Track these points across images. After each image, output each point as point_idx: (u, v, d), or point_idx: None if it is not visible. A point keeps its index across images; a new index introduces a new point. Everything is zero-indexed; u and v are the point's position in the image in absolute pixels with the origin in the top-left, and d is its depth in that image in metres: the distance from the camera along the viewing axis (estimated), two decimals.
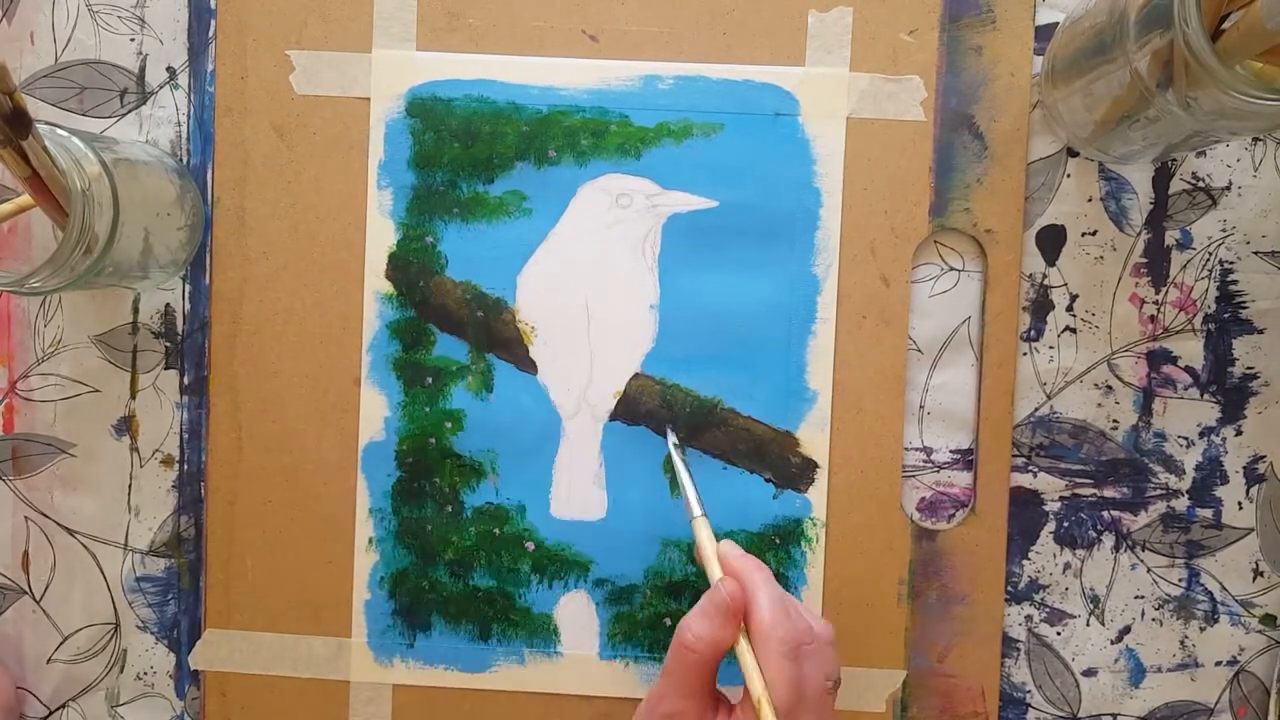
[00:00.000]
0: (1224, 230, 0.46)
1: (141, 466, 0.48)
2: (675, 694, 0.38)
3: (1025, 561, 0.47)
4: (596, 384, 0.46)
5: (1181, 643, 0.47)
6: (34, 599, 0.49)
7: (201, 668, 0.48)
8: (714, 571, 0.40)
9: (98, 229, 0.39)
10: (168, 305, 0.48)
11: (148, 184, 0.44)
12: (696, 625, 0.38)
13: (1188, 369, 0.46)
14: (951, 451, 0.47)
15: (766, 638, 0.38)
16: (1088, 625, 0.47)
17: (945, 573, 0.46)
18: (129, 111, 0.47)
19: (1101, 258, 0.46)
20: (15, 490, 0.48)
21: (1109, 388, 0.46)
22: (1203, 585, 0.47)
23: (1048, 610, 0.47)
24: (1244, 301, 0.46)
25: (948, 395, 0.47)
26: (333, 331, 0.47)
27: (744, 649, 0.38)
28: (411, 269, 0.47)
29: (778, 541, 0.46)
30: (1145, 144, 0.41)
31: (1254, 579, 0.47)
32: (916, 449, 0.47)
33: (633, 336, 0.46)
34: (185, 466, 0.48)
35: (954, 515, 0.47)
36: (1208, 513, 0.47)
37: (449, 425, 0.47)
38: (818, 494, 0.46)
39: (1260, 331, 0.46)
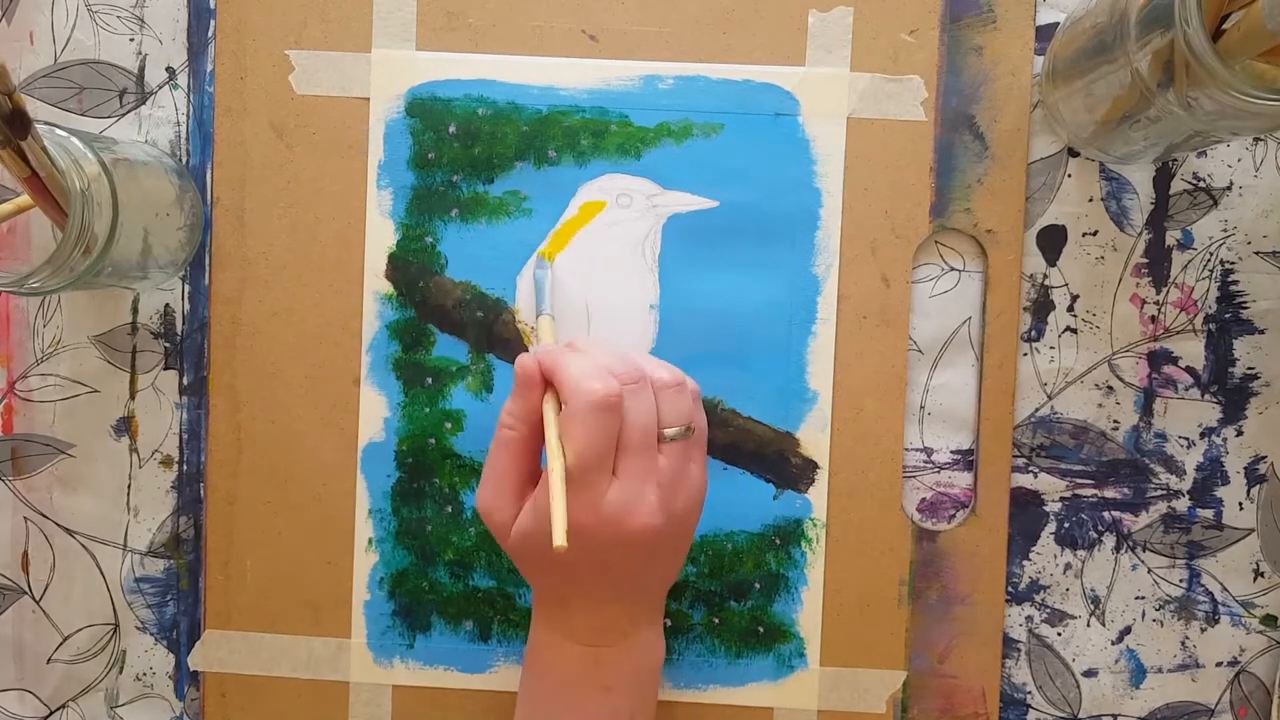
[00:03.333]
0: (1225, 230, 0.46)
1: (140, 467, 0.48)
2: (492, 481, 0.39)
3: (1026, 562, 0.47)
4: None
5: (1182, 643, 0.47)
6: (34, 599, 0.49)
7: (201, 668, 0.48)
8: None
9: (97, 229, 0.39)
10: (167, 305, 0.48)
11: (147, 184, 0.43)
12: (507, 404, 0.39)
13: (1189, 369, 0.46)
14: (952, 452, 0.47)
15: (566, 397, 0.37)
16: (1088, 626, 0.47)
17: (946, 573, 0.46)
18: (128, 111, 0.47)
19: (1102, 258, 0.46)
20: (14, 490, 0.48)
21: (1110, 388, 0.46)
22: (1203, 586, 0.47)
23: (1048, 611, 0.47)
24: (1245, 302, 0.46)
25: (948, 395, 0.47)
26: (332, 331, 0.47)
27: (548, 414, 0.38)
28: (411, 269, 0.46)
29: (778, 542, 0.46)
30: (1146, 144, 0.41)
31: (1254, 579, 0.47)
32: (917, 449, 0.47)
33: (633, 336, 0.46)
34: (184, 467, 0.48)
35: (954, 516, 0.47)
36: (1208, 513, 0.47)
37: (449, 425, 0.47)
38: (818, 494, 0.46)
39: (1261, 332, 0.46)
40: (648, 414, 0.37)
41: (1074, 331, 0.46)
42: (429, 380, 0.47)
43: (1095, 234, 0.46)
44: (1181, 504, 0.47)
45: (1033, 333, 0.46)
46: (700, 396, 0.41)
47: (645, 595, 0.41)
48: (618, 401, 0.36)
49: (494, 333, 0.46)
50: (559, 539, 0.35)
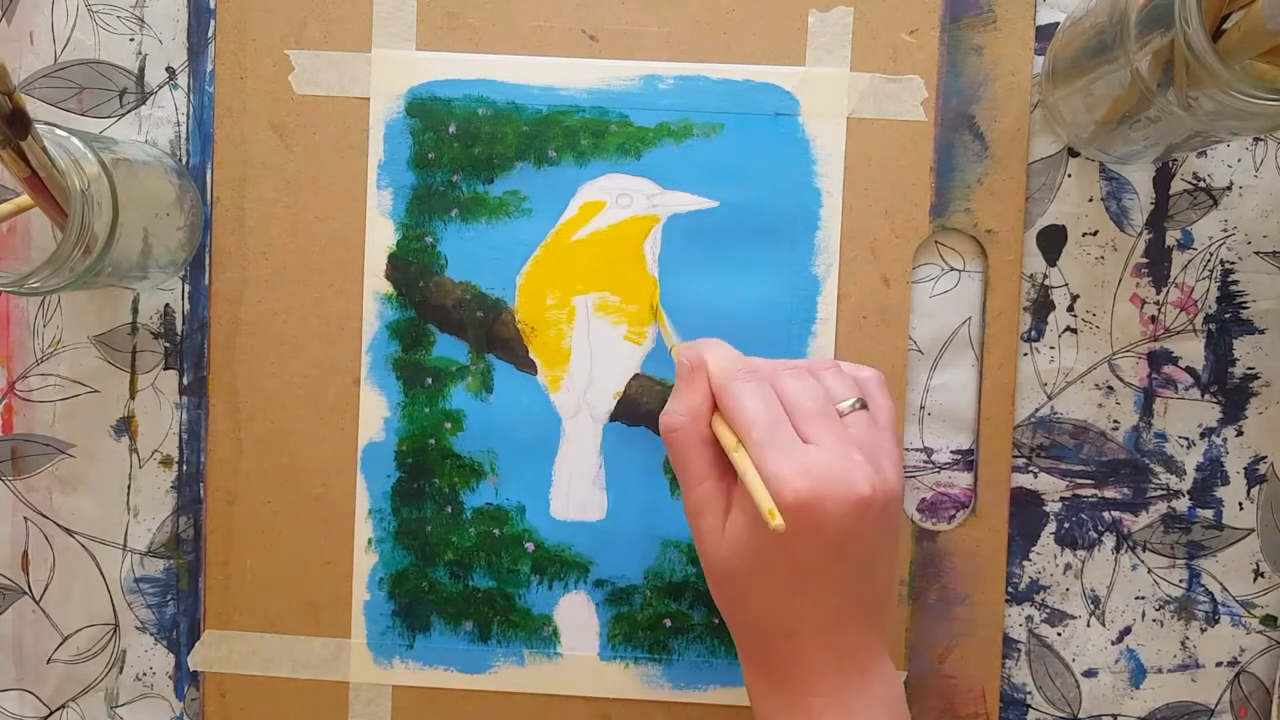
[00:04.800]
0: (1225, 230, 0.46)
1: (140, 467, 0.48)
2: (691, 485, 0.37)
3: (1026, 562, 0.47)
4: (596, 384, 0.46)
5: (1182, 643, 0.47)
6: (33, 599, 0.49)
7: (201, 669, 0.48)
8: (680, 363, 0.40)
9: (97, 229, 0.39)
10: (167, 305, 0.48)
11: (147, 184, 0.43)
12: (669, 406, 0.38)
13: (1188, 369, 0.46)
14: (952, 452, 0.47)
15: (714, 383, 0.37)
16: (1088, 626, 0.47)
17: (946, 573, 0.46)
18: (128, 111, 0.47)
19: (1102, 258, 0.46)
20: (14, 491, 0.48)
21: (1110, 388, 0.46)
22: (1203, 586, 0.47)
23: (1048, 611, 0.47)
24: (1245, 302, 0.46)
25: (948, 396, 0.47)
26: (332, 332, 0.47)
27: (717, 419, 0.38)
28: (411, 269, 0.46)
29: None
30: (1146, 144, 0.41)
31: (1254, 579, 0.47)
32: (917, 449, 0.47)
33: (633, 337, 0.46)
34: (184, 467, 0.48)
35: (954, 516, 0.47)
36: (1208, 513, 0.47)
37: (449, 426, 0.47)
38: None
39: (1261, 332, 0.46)
40: (813, 385, 0.36)
41: (1074, 331, 0.46)
42: (429, 380, 0.47)
43: (1095, 234, 0.46)
44: (1181, 504, 0.47)
45: (1033, 333, 0.46)
46: (885, 384, 0.39)
47: (872, 605, 0.37)
48: (757, 368, 0.37)
49: (494, 333, 0.46)
50: (771, 519, 0.33)
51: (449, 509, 0.47)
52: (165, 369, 0.48)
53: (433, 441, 0.47)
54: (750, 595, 0.37)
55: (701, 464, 0.37)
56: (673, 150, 0.46)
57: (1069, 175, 0.46)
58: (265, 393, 0.47)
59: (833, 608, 0.35)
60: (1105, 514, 0.47)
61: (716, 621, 0.47)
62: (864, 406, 0.37)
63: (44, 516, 0.48)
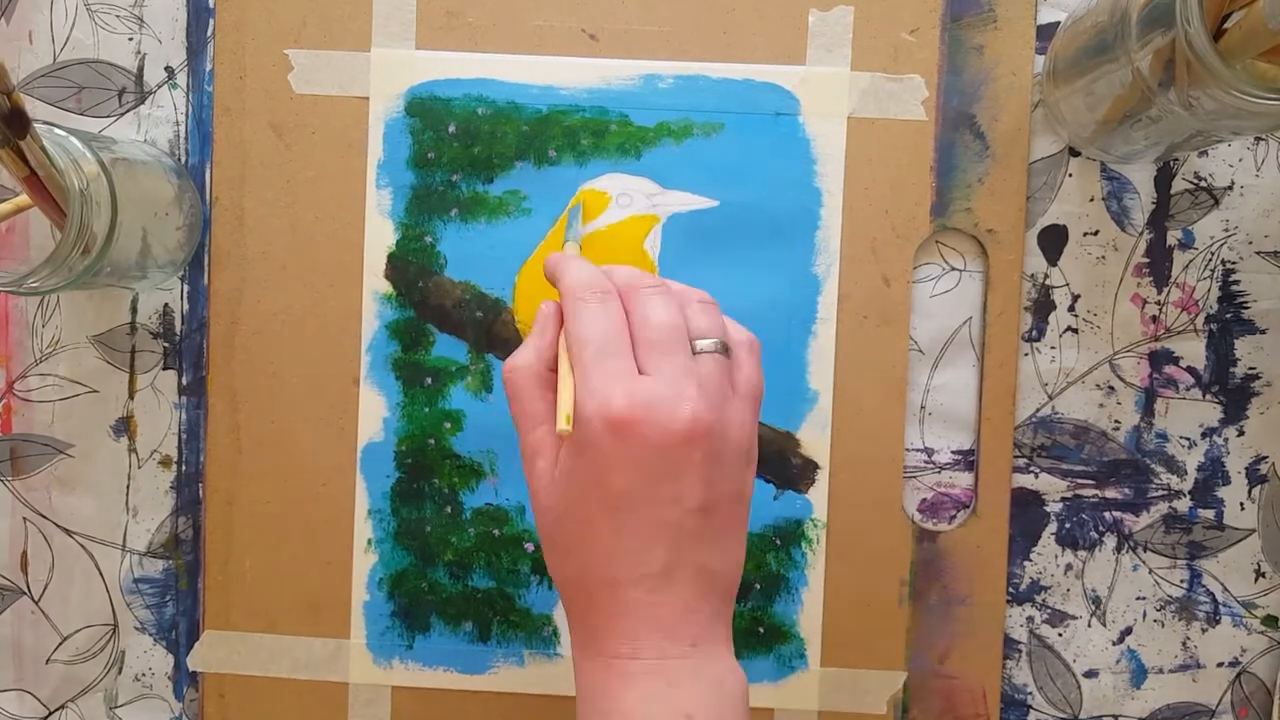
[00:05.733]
0: (1226, 230, 0.46)
1: (140, 467, 0.48)
2: (527, 430, 0.35)
3: (1027, 563, 0.47)
4: None
5: (1183, 644, 0.47)
6: (32, 599, 0.49)
7: (200, 669, 0.48)
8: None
9: (96, 229, 0.39)
10: (166, 305, 0.48)
11: (146, 184, 0.43)
12: (516, 351, 0.36)
13: (1190, 369, 0.46)
14: (953, 452, 0.47)
15: (563, 299, 0.34)
16: (1089, 626, 0.47)
17: (946, 574, 0.46)
18: (127, 111, 0.47)
19: (1103, 258, 0.46)
20: (13, 491, 0.48)
21: (1111, 388, 0.46)
22: (1204, 586, 0.47)
23: (1049, 611, 0.47)
24: (1246, 302, 0.46)
25: (949, 396, 0.47)
26: (331, 332, 0.47)
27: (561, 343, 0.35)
28: (410, 269, 0.46)
29: (778, 542, 0.46)
30: (1147, 143, 0.41)
31: (1256, 580, 0.47)
32: (917, 449, 0.47)
33: None
34: (183, 467, 0.48)
35: (955, 516, 0.47)
36: (1209, 513, 0.46)
37: (448, 426, 0.47)
38: (818, 495, 0.46)
39: (1262, 332, 0.46)
40: (670, 312, 0.33)
41: (1075, 331, 0.46)
42: (428, 380, 0.47)
43: (1096, 234, 0.46)
44: (1182, 504, 0.46)
45: (1033, 332, 0.46)
46: (758, 350, 0.36)
47: (710, 577, 0.34)
48: (608, 288, 0.34)
49: (493, 333, 0.46)
50: (561, 422, 0.32)
51: (449, 509, 0.47)
52: (164, 369, 0.48)
53: (432, 441, 0.47)
54: (575, 542, 0.34)
55: (540, 407, 0.35)
56: (673, 150, 0.46)
57: (1070, 175, 0.46)
58: (265, 393, 0.47)
59: (658, 559, 0.32)
60: (1106, 514, 0.47)
61: None
62: (725, 352, 0.34)
63: (43, 517, 0.48)
